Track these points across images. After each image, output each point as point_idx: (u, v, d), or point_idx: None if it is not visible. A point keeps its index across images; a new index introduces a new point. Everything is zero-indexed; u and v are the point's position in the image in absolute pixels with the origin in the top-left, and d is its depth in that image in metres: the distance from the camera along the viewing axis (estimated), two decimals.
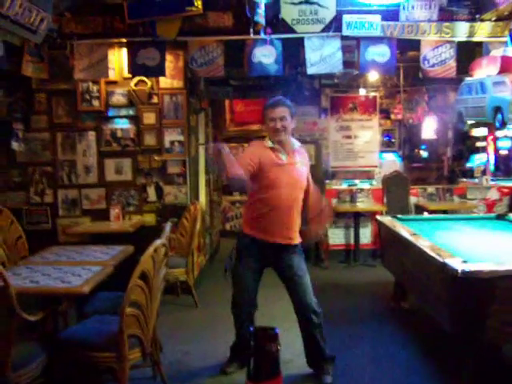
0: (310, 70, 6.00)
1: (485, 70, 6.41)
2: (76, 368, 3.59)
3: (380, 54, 6.00)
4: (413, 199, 8.10)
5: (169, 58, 6.09)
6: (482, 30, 5.92)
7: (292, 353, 4.26)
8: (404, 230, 5.01)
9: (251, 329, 1.49)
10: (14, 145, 6.14)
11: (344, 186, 8.45)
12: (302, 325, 3.97)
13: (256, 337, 1.48)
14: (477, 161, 10.11)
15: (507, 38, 5.71)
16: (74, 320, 4.32)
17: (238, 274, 4.01)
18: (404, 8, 5.90)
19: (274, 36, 5.88)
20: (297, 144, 3.98)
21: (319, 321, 3.91)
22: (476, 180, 8.65)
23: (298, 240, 3.96)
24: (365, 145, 9.70)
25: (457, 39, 5.98)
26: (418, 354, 4.44)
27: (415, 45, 6.09)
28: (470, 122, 8.83)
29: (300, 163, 3.93)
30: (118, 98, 6.29)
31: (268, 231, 3.86)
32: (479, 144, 10.48)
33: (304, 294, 3.88)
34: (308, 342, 4.00)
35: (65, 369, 3.51)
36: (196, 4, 5.54)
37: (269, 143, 3.86)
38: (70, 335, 3.49)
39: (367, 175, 9.67)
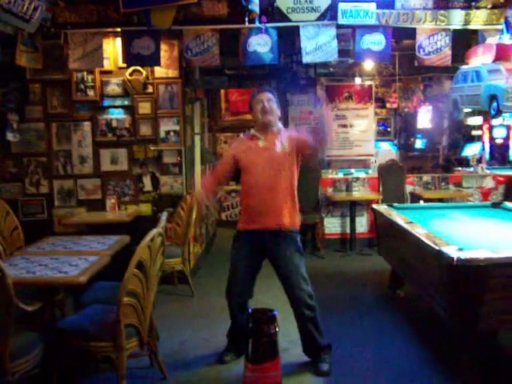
0: (306, 59, 5.98)
1: (480, 58, 6.41)
2: (74, 357, 3.61)
3: (375, 42, 5.98)
4: (408, 188, 8.12)
5: (164, 47, 6.06)
6: (478, 18, 5.90)
7: (288, 341, 4.28)
8: (400, 218, 5.02)
9: (249, 310, 1.50)
10: (9, 135, 6.11)
11: (340, 175, 8.46)
12: (296, 317, 3.99)
13: (254, 319, 1.48)
14: (470, 150, 10.11)
15: (503, 26, 5.71)
16: (71, 310, 4.33)
17: (233, 264, 4.06)
18: None
19: (269, 25, 5.84)
20: (280, 126, 4.05)
21: (313, 314, 3.91)
22: (471, 169, 8.67)
23: (290, 226, 3.93)
24: (360, 134, 9.70)
25: (452, 27, 5.96)
26: (413, 342, 4.47)
27: (411, 33, 6.06)
28: (465, 111, 8.84)
29: (281, 146, 3.91)
30: (113, 87, 6.26)
31: (255, 218, 3.90)
32: (474, 133, 10.49)
33: (297, 289, 3.89)
34: (303, 334, 4.02)
35: (62, 358, 3.53)
36: None
37: (251, 131, 4.03)
38: (67, 325, 3.50)
39: (363, 164, 9.68)
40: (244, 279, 4.02)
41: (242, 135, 4.25)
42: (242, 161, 3.95)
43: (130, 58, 5.88)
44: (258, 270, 4.07)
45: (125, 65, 6.08)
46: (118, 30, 5.94)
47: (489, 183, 8.20)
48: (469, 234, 4.46)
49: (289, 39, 6.38)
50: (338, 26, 5.92)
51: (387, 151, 10.53)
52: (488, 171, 8.51)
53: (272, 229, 3.88)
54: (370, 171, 9.03)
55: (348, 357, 4.18)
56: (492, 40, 5.97)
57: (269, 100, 3.93)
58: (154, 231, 3.34)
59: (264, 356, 1.47)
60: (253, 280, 4.06)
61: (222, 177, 4.12)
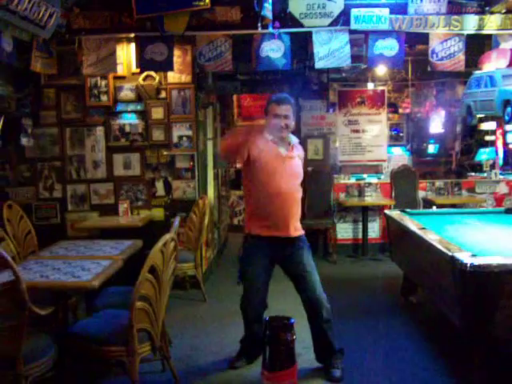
0: (318, 65, 5.98)
1: (494, 63, 6.38)
2: (86, 361, 3.62)
3: (388, 47, 5.98)
4: (421, 193, 8.08)
5: (177, 52, 6.09)
6: (492, 23, 5.88)
7: (301, 346, 4.25)
8: (412, 223, 5.00)
9: (266, 318, 1.51)
10: (23, 140, 6.17)
11: (352, 181, 8.44)
12: (312, 320, 3.97)
13: (271, 326, 1.48)
14: (483, 156, 10.07)
15: None
16: (83, 314, 4.35)
17: (248, 274, 4.02)
18: (412, 1, 5.87)
19: (281, 30, 5.86)
20: (294, 139, 4.04)
21: (329, 316, 3.92)
22: (485, 174, 8.61)
23: (301, 232, 3.99)
24: (373, 139, 9.67)
25: (466, 32, 5.94)
26: (426, 349, 4.44)
27: (424, 38, 6.05)
28: (478, 116, 8.79)
29: (297, 157, 4.00)
30: (127, 92, 6.30)
31: (269, 223, 3.88)
32: (488, 138, 10.43)
33: (314, 290, 3.88)
34: (317, 337, 4.00)
35: (75, 362, 3.54)
36: None
37: (268, 136, 3.87)
38: (80, 329, 3.51)
39: (375, 169, 9.65)
40: (262, 289, 3.99)
41: (260, 129, 4.05)
42: (259, 160, 3.81)
43: (144, 63, 5.92)
44: (271, 278, 4.06)
45: (138, 70, 6.13)
46: (132, 35, 6.00)
47: (502, 189, 8.14)
48: (482, 240, 4.42)
49: (301, 45, 6.39)
50: (351, 32, 5.92)
51: (399, 156, 10.51)
52: (501, 177, 8.44)
53: (290, 236, 3.90)
54: (383, 176, 9.00)
55: (360, 363, 4.15)
56: (506, 45, 5.94)
57: (286, 116, 3.83)
58: (167, 236, 3.35)
59: (281, 364, 1.47)
60: (268, 289, 4.05)
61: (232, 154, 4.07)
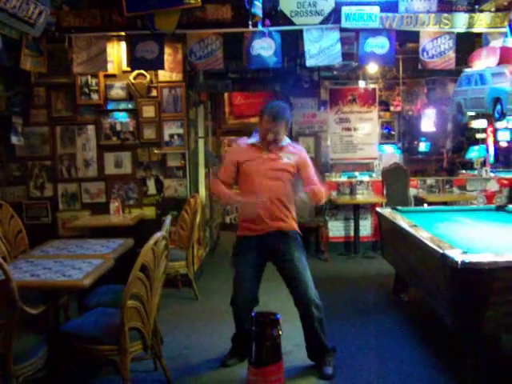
0: (309, 62, 5.98)
1: (484, 61, 6.41)
2: (78, 361, 3.61)
3: (379, 45, 5.98)
4: (412, 191, 8.11)
5: (167, 50, 6.08)
6: (482, 21, 5.90)
7: (292, 344, 4.27)
8: (404, 221, 5.02)
9: (253, 314, 1.52)
10: (14, 139, 6.13)
11: (343, 179, 8.46)
12: (303, 319, 3.97)
13: (257, 322, 1.49)
14: (474, 153, 10.11)
15: (507, 29, 5.70)
16: (75, 313, 4.34)
17: (238, 272, 4.03)
18: None
19: (272, 28, 5.86)
20: (287, 141, 4.03)
21: (321, 314, 3.92)
22: (475, 172, 8.65)
23: (291, 227, 3.99)
24: (364, 137, 9.71)
25: (456, 30, 5.96)
26: (418, 346, 4.45)
27: (414, 36, 6.07)
28: (469, 114, 8.83)
29: (286, 158, 3.95)
30: (117, 91, 6.28)
31: (256, 223, 3.91)
32: (479, 136, 10.48)
33: (306, 289, 3.88)
34: (309, 335, 4.00)
35: (66, 362, 3.53)
36: None
37: (252, 140, 4.00)
38: (71, 328, 3.50)
39: (367, 167, 9.68)
40: (251, 286, 3.99)
41: (241, 140, 4.20)
42: (245, 169, 3.96)
43: (134, 61, 5.90)
44: (262, 275, 4.07)
45: (129, 68, 6.11)
46: (122, 33, 5.98)
47: (493, 186, 8.19)
48: (473, 238, 4.44)
49: (292, 42, 6.38)
50: (342, 30, 5.93)
51: (391, 154, 10.53)
52: (492, 174, 8.49)
53: (275, 230, 3.91)
54: (374, 174, 9.01)
55: (352, 361, 4.16)
56: (496, 43, 5.96)
57: (276, 132, 3.86)
58: (158, 235, 3.35)
59: (267, 359, 1.47)
60: (258, 286, 4.05)
61: (226, 184, 4.08)
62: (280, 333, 1.53)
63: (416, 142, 12.00)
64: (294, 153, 3.99)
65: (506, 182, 8.19)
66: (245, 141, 4.09)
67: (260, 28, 5.82)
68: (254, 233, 3.94)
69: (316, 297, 3.92)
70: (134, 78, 6.18)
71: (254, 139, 4.02)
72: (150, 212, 6.37)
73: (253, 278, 3.99)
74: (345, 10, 5.83)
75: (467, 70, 7.94)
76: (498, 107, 7.27)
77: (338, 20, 5.86)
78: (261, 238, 3.93)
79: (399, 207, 6.00)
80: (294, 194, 3.82)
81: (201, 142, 7.45)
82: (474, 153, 10.45)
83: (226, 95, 10.84)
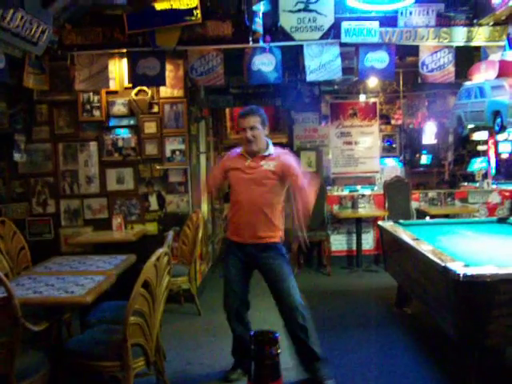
0: (310, 77, 6.03)
1: (483, 75, 6.44)
2: (80, 377, 3.60)
3: (379, 59, 6.04)
4: (414, 204, 8.11)
5: (169, 67, 6.12)
6: (480, 35, 5.95)
7: (292, 359, 4.25)
8: (406, 234, 5.02)
9: (251, 333, 1.52)
10: (16, 156, 6.17)
11: (345, 192, 8.47)
12: (288, 328, 3.94)
13: (256, 341, 1.49)
14: (476, 165, 10.13)
15: (505, 42, 5.74)
16: (77, 330, 4.33)
17: (225, 274, 4.14)
18: (402, 14, 5.94)
19: (273, 44, 5.91)
20: (270, 151, 4.02)
21: (305, 323, 3.87)
22: (477, 184, 8.66)
23: (272, 239, 4.00)
24: (365, 150, 9.73)
25: (455, 44, 6.01)
26: (421, 359, 4.44)
27: (414, 50, 6.12)
28: (469, 126, 8.85)
29: (266, 165, 3.95)
30: (119, 107, 6.32)
31: (239, 231, 4.03)
32: (480, 148, 10.49)
33: (288, 297, 3.88)
34: (297, 345, 3.97)
35: (69, 378, 3.52)
36: (195, 13, 5.58)
37: (240, 149, 4.10)
38: (74, 345, 3.50)
39: (368, 181, 9.70)
40: (236, 289, 4.06)
41: (234, 150, 4.27)
42: (231, 177, 4.08)
43: (136, 78, 5.96)
44: (249, 279, 4.13)
45: (130, 85, 6.15)
46: (124, 50, 6.03)
47: (495, 198, 8.19)
48: (475, 250, 4.45)
49: (293, 58, 6.43)
50: (342, 45, 5.98)
51: (392, 167, 10.55)
52: (494, 186, 8.49)
53: (256, 242, 3.96)
54: (376, 188, 9.04)
55: (355, 374, 4.15)
56: (495, 56, 6.00)
57: (252, 128, 3.92)
58: (161, 250, 3.35)
59: (266, 378, 1.48)
60: (246, 289, 4.11)
61: (215, 190, 4.37)
62: (279, 351, 1.54)
63: (417, 155, 12.02)
64: (273, 158, 3.99)
65: (507, 194, 8.19)
66: (236, 150, 4.18)
67: (261, 44, 5.88)
68: (238, 240, 4.04)
69: (300, 305, 3.88)
70: (136, 95, 6.22)
71: (239, 150, 4.13)
72: (152, 228, 6.38)
73: (239, 283, 4.06)
74: (344, 25, 5.89)
75: (467, 84, 7.98)
76: (498, 120, 7.28)
77: (337, 35, 5.92)
78: (244, 246, 4.00)
79: (401, 220, 6.00)
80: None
81: (202, 158, 7.48)
82: (476, 165, 10.45)
83: (227, 110, 10.88)
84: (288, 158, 4.01)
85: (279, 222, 4.04)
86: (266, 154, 4.00)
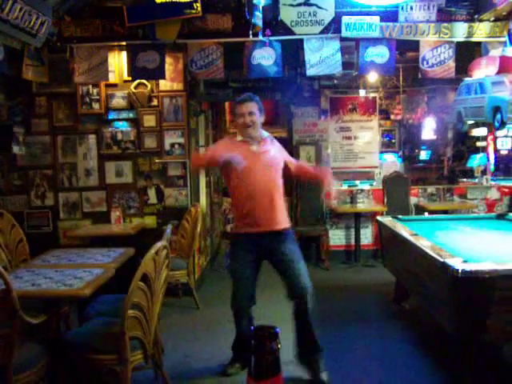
0: (310, 72, 6.02)
1: (484, 70, 6.43)
2: (78, 370, 3.60)
3: (379, 54, 6.02)
4: (413, 199, 8.11)
5: (168, 60, 6.11)
6: (481, 31, 5.94)
7: (292, 354, 4.26)
8: (404, 230, 5.02)
9: (252, 328, 1.52)
10: (15, 148, 6.16)
11: (344, 187, 8.46)
12: (297, 311, 3.93)
13: (257, 335, 1.49)
14: (475, 161, 10.13)
15: (506, 38, 5.73)
16: (75, 322, 4.33)
17: (235, 270, 4.08)
18: (403, 9, 5.92)
19: (273, 38, 5.89)
20: (266, 134, 4.09)
21: (312, 307, 3.88)
22: (476, 180, 8.66)
23: (285, 225, 4.00)
24: (365, 145, 9.71)
25: (455, 39, 6.00)
26: (418, 354, 4.44)
27: (414, 45, 6.10)
28: (469, 122, 8.84)
29: (273, 150, 4.03)
30: (118, 100, 6.30)
31: (253, 221, 3.93)
32: (479, 144, 10.49)
33: (300, 277, 3.88)
34: (302, 331, 3.96)
35: (67, 371, 3.53)
36: (195, 7, 5.56)
37: (238, 138, 4.04)
38: (72, 338, 3.50)
39: (367, 176, 9.68)
40: (248, 284, 4.02)
41: (229, 138, 4.25)
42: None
43: (135, 71, 5.94)
44: (258, 273, 4.09)
45: (130, 78, 6.13)
46: (124, 43, 6.01)
47: (493, 194, 8.19)
48: (473, 246, 4.45)
49: (293, 52, 6.41)
50: (342, 39, 5.96)
51: (391, 163, 10.52)
52: (493, 182, 8.49)
53: (274, 230, 3.93)
54: (375, 183, 9.03)
55: (353, 369, 4.16)
56: (495, 52, 5.99)
57: (250, 113, 3.93)
58: (159, 244, 3.35)
59: (266, 372, 1.48)
60: (255, 284, 4.07)
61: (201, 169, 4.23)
62: (279, 346, 1.54)
63: (417, 151, 12.00)
64: (277, 146, 4.09)
65: (506, 190, 8.20)
66: (234, 138, 4.14)
67: (260, 37, 5.86)
68: (253, 230, 3.94)
69: (310, 287, 3.89)
70: (135, 88, 6.21)
71: (239, 137, 4.07)
72: (150, 221, 6.37)
73: (248, 277, 4.00)
74: (345, 19, 5.87)
75: (467, 79, 7.96)
76: (498, 116, 7.27)
77: (338, 29, 5.90)
78: (255, 238, 3.95)
79: (400, 216, 6.01)
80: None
81: (202, 151, 7.46)
82: (475, 161, 10.45)
83: (226, 104, 10.86)
84: (283, 150, 4.19)
85: (284, 208, 4.05)
86: (265, 136, 4.05)
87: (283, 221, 3.98)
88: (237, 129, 4.12)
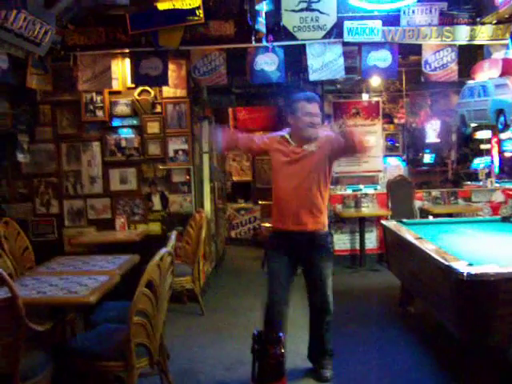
0: (313, 77, 6.04)
1: (486, 73, 6.43)
2: (84, 377, 3.60)
3: (381, 59, 6.04)
4: (417, 203, 8.09)
5: (171, 67, 6.13)
6: (483, 33, 5.95)
7: (298, 358, 4.26)
8: (409, 234, 5.01)
9: (255, 333, 1.52)
10: (20, 156, 6.19)
11: (348, 192, 8.45)
12: (313, 323, 4.07)
13: (260, 340, 1.49)
14: (479, 164, 10.12)
15: (508, 41, 5.74)
16: (81, 330, 4.34)
17: (272, 271, 3.98)
18: (405, 13, 5.94)
19: (275, 43, 5.92)
20: (320, 134, 3.91)
21: (331, 319, 4.04)
22: (481, 183, 8.64)
23: (323, 227, 3.97)
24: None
25: (458, 43, 6.01)
26: (424, 358, 4.43)
27: (417, 49, 6.11)
28: (472, 125, 8.82)
29: (316, 150, 3.86)
30: (122, 107, 6.33)
31: (291, 220, 3.88)
32: (483, 146, 10.46)
33: (324, 294, 3.97)
34: (316, 337, 4.09)
35: (73, 378, 3.53)
36: (198, 13, 5.59)
37: (285, 135, 3.93)
38: (77, 345, 3.50)
39: (371, 180, 9.66)
40: (284, 284, 3.94)
41: (273, 134, 4.10)
42: (275, 160, 3.94)
43: (139, 78, 5.97)
44: (293, 276, 4.03)
45: (133, 85, 6.16)
46: (127, 51, 6.04)
47: (498, 197, 8.17)
48: (478, 249, 4.43)
49: (295, 57, 6.43)
50: (344, 44, 5.99)
51: (395, 167, 10.51)
52: (497, 185, 8.47)
53: (306, 230, 3.89)
54: (379, 187, 9.00)
55: (358, 373, 4.15)
56: (498, 55, 6.00)
57: (317, 114, 3.83)
58: (164, 251, 3.35)
59: (270, 377, 1.48)
60: (289, 286, 3.99)
61: (246, 150, 4.24)
62: (283, 351, 1.54)
63: (420, 154, 11.98)
64: (324, 139, 3.89)
65: (511, 192, 8.17)
66: (278, 133, 4.01)
67: (263, 43, 5.88)
68: (288, 228, 3.90)
69: (331, 304, 4.02)
70: (139, 95, 6.23)
71: (287, 135, 3.93)
72: (155, 228, 6.39)
73: (284, 277, 3.94)
74: (347, 24, 5.89)
75: (470, 82, 7.95)
76: (502, 119, 7.25)
77: (340, 34, 5.93)
78: (295, 235, 3.90)
79: (404, 220, 5.99)
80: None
81: (205, 157, 7.47)
82: (479, 164, 10.42)
83: (230, 110, 10.88)
84: (329, 132, 3.96)
85: (325, 208, 3.98)
86: (318, 136, 3.89)
87: (317, 222, 3.92)
88: (293, 130, 3.91)
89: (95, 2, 5.13)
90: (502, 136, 10.00)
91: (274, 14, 5.85)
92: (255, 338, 1.47)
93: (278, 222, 3.98)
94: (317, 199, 3.91)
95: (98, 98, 6.31)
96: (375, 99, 10.00)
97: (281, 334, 1.44)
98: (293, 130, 3.92)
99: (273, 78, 6.02)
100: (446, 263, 3.62)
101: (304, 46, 5.96)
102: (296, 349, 4.29)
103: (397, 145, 11.42)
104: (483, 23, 5.94)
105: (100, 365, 3.30)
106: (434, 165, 11.80)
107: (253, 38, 5.83)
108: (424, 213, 7.89)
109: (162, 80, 5.97)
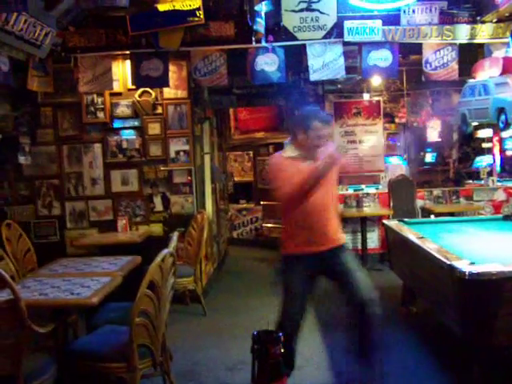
0: (313, 77, 6.03)
1: (487, 72, 6.43)
2: (87, 379, 3.61)
3: (382, 58, 6.03)
4: (419, 202, 8.09)
5: (172, 68, 6.13)
6: (484, 32, 5.94)
7: (303, 359, 4.25)
8: (411, 233, 5.01)
9: (255, 333, 1.52)
10: (21, 159, 6.19)
11: (350, 191, 8.45)
12: (364, 319, 3.75)
13: (260, 340, 1.49)
14: (481, 163, 10.11)
15: (509, 39, 5.74)
16: (83, 331, 4.34)
17: (290, 291, 3.79)
18: (405, 12, 5.94)
19: (275, 44, 5.92)
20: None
21: (380, 310, 3.76)
22: (482, 181, 8.63)
23: (342, 240, 3.85)
24: (370, 149, 9.68)
25: (458, 41, 6.00)
26: (426, 358, 4.43)
27: (417, 48, 6.11)
28: (474, 124, 8.82)
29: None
30: (123, 109, 6.33)
31: (316, 239, 3.72)
32: (485, 145, 10.45)
33: (368, 287, 3.73)
34: (368, 337, 3.81)
35: (76, 380, 3.53)
36: (198, 14, 5.59)
37: (290, 153, 3.76)
38: (80, 346, 3.51)
39: (373, 179, 9.66)
40: (303, 305, 3.80)
41: (276, 158, 3.85)
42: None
43: (139, 79, 5.97)
44: (313, 288, 3.91)
45: (134, 86, 6.16)
46: (127, 52, 6.04)
47: (500, 196, 8.16)
48: (480, 248, 4.43)
49: (296, 57, 6.44)
50: (345, 44, 5.98)
51: (397, 166, 10.50)
52: (499, 184, 8.46)
53: (333, 246, 3.76)
54: (380, 187, 9.00)
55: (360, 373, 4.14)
56: (498, 53, 5.99)
57: (327, 137, 3.71)
58: (165, 251, 3.35)
59: (269, 377, 1.48)
60: (307, 300, 3.85)
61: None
62: (282, 351, 1.55)
63: (422, 153, 11.97)
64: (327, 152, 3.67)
65: None
66: (280, 155, 3.82)
67: (263, 44, 5.88)
68: (313, 249, 3.72)
69: (374, 295, 3.73)
70: (140, 96, 6.24)
71: (290, 153, 3.76)
72: (157, 229, 6.39)
73: (305, 294, 3.80)
74: (347, 24, 5.89)
75: (470, 81, 7.95)
76: (503, 117, 7.25)
77: (340, 34, 5.92)
78: (320, 253, 3.73)
79: (406, 219, 5.99)
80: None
81: (207, 158, 7.48)
82: (481, 162, 10.41)
83: (231, 111, 10.88)
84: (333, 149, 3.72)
85: (339, 223, 3.89)
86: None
87: (339, 238, 3.82)
88: (298, 144, 3.73)
89: (95, 4, 5.12)
90: (504, 134, 10.00)
91: (274, 15, 5.85)
92: (255, 339, 1.47)
93: (303, 246, 3.73)
94: (336, 211, 3.84)
95: (99, 100, 6.31)
96: (376, 99, 9.99)
97: (280, 334, 1.44)
98: (297, 144, 3.75)
99: (273, 79, 6.02)
100: (448, 262, 3.62)
101: (304, 46, 5.96)
102: (305, 356, 4.28)
103: (398, 144, 11.41)
104: (483, 22, 5.93)
105: (102, 366, 3.30)
106: (436, 164, 11.79)
107: (253, 39, 5.84)
108: (426, 212, 7.89)
109: (162, 81, 5.97)
